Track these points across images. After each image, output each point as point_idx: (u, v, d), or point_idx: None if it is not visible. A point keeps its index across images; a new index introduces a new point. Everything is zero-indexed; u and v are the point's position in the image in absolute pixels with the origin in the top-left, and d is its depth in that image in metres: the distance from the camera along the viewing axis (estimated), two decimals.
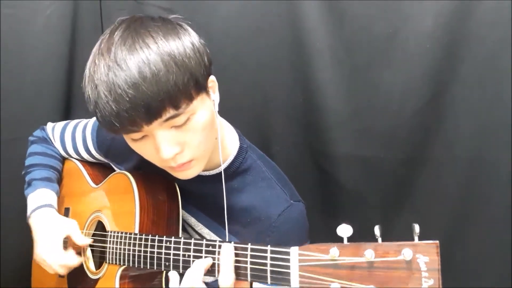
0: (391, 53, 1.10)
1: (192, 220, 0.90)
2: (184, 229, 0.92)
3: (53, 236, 0.90)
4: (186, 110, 0.69)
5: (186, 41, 0.70)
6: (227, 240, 0.81)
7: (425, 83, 1.09)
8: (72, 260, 0.90)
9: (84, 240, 0.91)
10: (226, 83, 1.22)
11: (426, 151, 1.14)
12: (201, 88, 0.72)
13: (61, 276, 1.01)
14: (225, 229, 0.82)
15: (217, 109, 0.77)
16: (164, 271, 0.85)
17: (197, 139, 0.73)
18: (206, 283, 0.77)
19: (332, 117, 1.17)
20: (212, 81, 0.76)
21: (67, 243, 0.94)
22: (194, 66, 0.69)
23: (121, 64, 0.65)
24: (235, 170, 0.85)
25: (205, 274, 0.68)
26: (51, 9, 1.24)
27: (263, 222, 0.83)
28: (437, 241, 0.51)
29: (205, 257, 0.69)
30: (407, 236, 0.53)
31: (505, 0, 1.01)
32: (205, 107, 0.73)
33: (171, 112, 0.68)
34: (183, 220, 0.91)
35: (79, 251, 0.94)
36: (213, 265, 0.68)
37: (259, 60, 1.19)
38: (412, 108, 1.11)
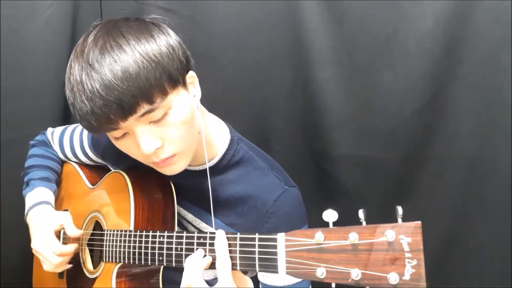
0: (391, 53, 1.10)
1: (190, 216, 0.90)
2: (183, 226, 0.92)
3: (46, 228, 0.91)
4: (162, 105, 0.70)
5: (159, 39, 0.71)
6: (213, 227, 0.82)
7: (425, 83, 1.09)
8: (66, 248, 0.91)
9: (75, 231, 0.91)
10: (226, 83, 1.23)
11: (426, 151, 1.14)
12: (176, 82, 0.72)
13: (60, 277, 1.01)
14: (222, 221, 0.84)
15: (198, 104, 0.78)
16: (161, 270, 0.86)
17: (177, 134, 0.73)
18: (206, 281, 0.77)
19: (332, 117, 1.17)
20: (192, 76, 0.77)
21: (66, 243, 0.95)
22: (167, 61, 0.70)
23: (93, 64, 0.68)
24: (227, 162, 0.86)
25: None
26: (51, 9, 1.24)
27: (260, 209, 0.84)
28: (420, 222, 0.51)
29: (196, 249, 0.70)
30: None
31: (505, 0, 1.01)
32: (183, 102, 0.74)
33: (145, 107, 0.69)
34: (181, 217, 0.91)
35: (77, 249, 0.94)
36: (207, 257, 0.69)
37: (259, 60, 1.19)
38: (412, 108, 1.11)
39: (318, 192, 1.24)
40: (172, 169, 0.77)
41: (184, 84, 0.75)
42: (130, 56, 0.67)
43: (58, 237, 0.96)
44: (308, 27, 1.14)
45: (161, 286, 0.86)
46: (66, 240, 0.97)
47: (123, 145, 0.76)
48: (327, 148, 1.19)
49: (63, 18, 1.25)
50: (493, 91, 1.06)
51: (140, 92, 0.67)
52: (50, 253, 0.90)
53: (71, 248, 0.91)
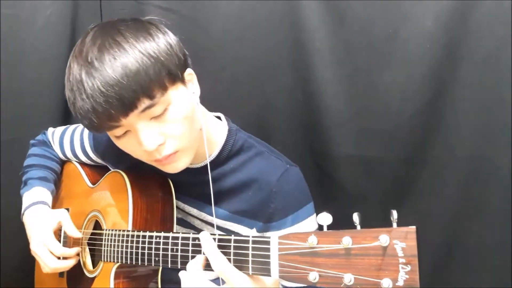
0: (391, 53, 1.10)
1: (195, 211, 0.91)
2: (188, 223, 0.92)
3: (44, 228, 0.90)
4: (162, 100, 0.71)
5: (157, 37, 0.73)
6: (214, 216, 0.84)
7: (425, 83, 1.09)
8: (68, 250, 0.90)
9: (74, 231, 0.91)
10: (226, 83, 1.23)
11: (426, 151, 1.14)
12: (175, 78, 0.73)
13: (60, 276, 1.01)
14: (228, 211, 0.85)
15: (198, 100, 0.79)
16: (160, 271, 0.86)
17: (178, 129, 0.74)
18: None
19: (332, 117, 1.17)
20: (190, 73, 0.78)
21: (66, 242, 0.94)
22: (166, 57, 0.71)
23: (92, 62, 0.68)
24: (228, 153, 0.87)
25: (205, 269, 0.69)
26: (51, 9, 1.24)
27: (264, 190, 0.85)
28: (414, 227, 0.50)
29: (192, 250, 0.70)
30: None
31: (505, 0, 1.01)
32: (183, 98, 0.75)
33: (146, 102, 0.69)
34: (186, 213, 0.92)
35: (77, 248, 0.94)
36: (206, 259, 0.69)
37: (259, 60, 1.19)
38: (412, 108, 1.11)
39: (318, 192, 1.24)
40: (174, 167, 0.78)
41: (183, 80, 0.75)
42: (129, 53, 0.68)
43: (59, 237, 0.96)
44: (308, 27, 1.14)
45: (159, 286, 0.86)
46: (66, 239, 0.97)
47: (125, 144, 0.76)
48: (327, 148, 1.19)
49: (63, 18, 1.26)
50: (493, 91, 1.06)
51: (140, 87, 0.68)
52: (48, 256, 0.89)
53: (73, 251, 0.91)
